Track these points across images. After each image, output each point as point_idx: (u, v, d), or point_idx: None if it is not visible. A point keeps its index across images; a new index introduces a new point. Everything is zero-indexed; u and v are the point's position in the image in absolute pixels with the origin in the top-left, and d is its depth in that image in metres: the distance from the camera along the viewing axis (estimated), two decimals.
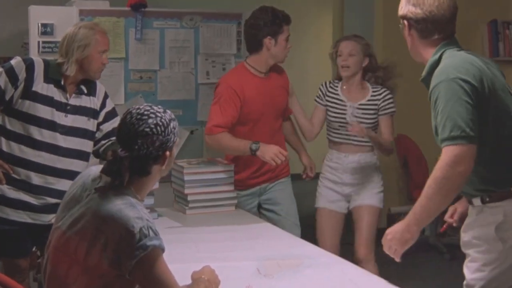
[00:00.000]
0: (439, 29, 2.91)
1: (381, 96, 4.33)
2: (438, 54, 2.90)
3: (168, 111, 2.53)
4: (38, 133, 3.75)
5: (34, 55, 4.94)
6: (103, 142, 3.98)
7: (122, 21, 5.09)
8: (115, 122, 3.91)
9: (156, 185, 3.86)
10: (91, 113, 3.91)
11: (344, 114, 4.33)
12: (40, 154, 3.76)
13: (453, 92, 2.73)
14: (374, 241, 4.30)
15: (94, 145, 3.97)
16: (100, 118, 3.96)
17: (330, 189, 4.41)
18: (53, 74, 3.78)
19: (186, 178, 4.04)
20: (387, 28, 7.03)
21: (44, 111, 3.75)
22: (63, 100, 3.81)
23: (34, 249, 4.11)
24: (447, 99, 2.74)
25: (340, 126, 4.35)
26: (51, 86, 3.78)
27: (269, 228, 3.83)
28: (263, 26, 4.23)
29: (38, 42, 4.93)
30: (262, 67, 4.30)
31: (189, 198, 4.05)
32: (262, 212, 4.46)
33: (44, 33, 4.94)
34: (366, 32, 7.09)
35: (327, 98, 4.41)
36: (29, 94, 3.72)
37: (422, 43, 2.96)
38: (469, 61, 2.84)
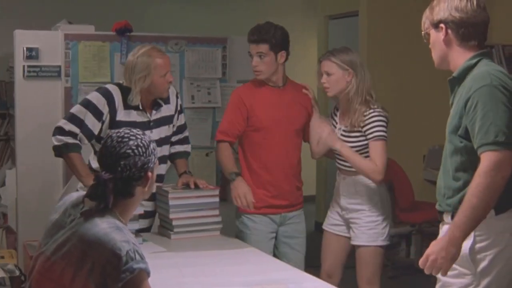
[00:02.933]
0: (479, 35, 2.96)
1: (365, 118, 4.02)
2: (475, 60, 2.93)
3: (147, 134, 2.59)
4: None
5: (19, 79, 4.94)
6: (176, 147, 4.32)
7: (107, 46, 5.10)
8: (182, 114, 4.35)
9: (140, 211, 3.88)
10: (170, 119, 4.24)
11: None
12: None
13: (497, 98, 2.78)
14: (374, 278, 4.17)
15: None
16: (175, 120, 4.29)
17: (335, 211, 4.29)
18: (130, 101, 3.99)
19: (171, 203, 4.03)
20: (370, 51, 7.08)
21: None
22: (145, 120, 4.06)
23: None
24: (491, 105, 2.77)
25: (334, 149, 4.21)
26: (132, 111, 4.02)
27: (254, 253, 3.82)
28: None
29: (23, 66, 4.93)
30: (270, 81, 4.30)
31: (174, 223, 4.03)
32: (275, 245, 4.37)
33: (29, 57, 4.94)
34: None
35: (332, 119, 4.28)
36: (114, 123, 3.94)
37: (459, 48, 2.98)
38: (504, 72, 2.90)
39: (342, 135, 4.13)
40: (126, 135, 2.50)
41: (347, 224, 4.23)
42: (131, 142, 2.49)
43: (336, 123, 4.21)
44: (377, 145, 4.02)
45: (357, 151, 4.07)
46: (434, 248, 2.86)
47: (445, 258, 2.82)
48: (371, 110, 4.03)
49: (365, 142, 4.06)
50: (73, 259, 2.36)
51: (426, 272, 2.89)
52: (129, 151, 2.47)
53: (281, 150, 4.26)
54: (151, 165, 2.54)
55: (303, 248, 4.42)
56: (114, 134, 2.51)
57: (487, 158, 2.76)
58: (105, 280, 2.31)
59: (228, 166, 4.21)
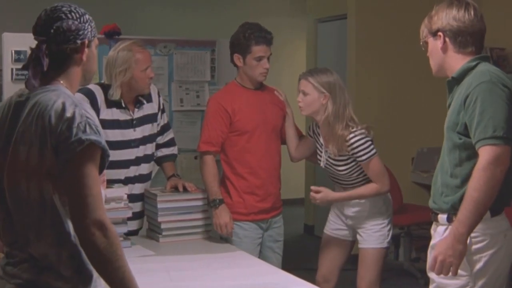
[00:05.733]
0: (476, 42, 3.04)
1: (348, 144, 3.97)
2: (474, 62, 3.01)
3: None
4: (112, 155, 3.84)
5: (7, 82, 4.94)
6: (163, 150, 4.28)
7: None
8: (164, 114, 4.30)
9: (129, 214, 3.86)
10: (154, 117, 4.19)
11: (321, 158, 4.20)
12: (115, 172, 3.97)
13: (496, 94, 2.84)
14: (377, 280, 4.18)
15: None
16: (159, 119, 4.25)
17: (337, 217, 4.29)
18: (111, 96, 3.99)
19: (159, 206, 4.02)
20: (359, 54, 7.10)
21: (113, 135, 3.96)
22: (128, 118, 4.05)
23: None
24: (490, 100, 2.83)
25: (324, 169, 4.23)
26: (114, 109, 4.01)
27: (244, 257, 3.81)
28: (234, 43, 4.22)
29: (12, 69, 4.93)
30: (247, 83, 4.26)
31: (162, 226, 4.02)
32: (261, 250, 4.35)
33: (17, 60, 4.94)
34: (339, 59, 7.17)
35: (314, 136, 4.25)
36: None
37: (456, 55, 3.05)
38: (503, 72, 2.98)
39: (329, 157, 4.12)
40: (59, 5, 2.46)
41: (352, 229, 4.25)
42: (64, 9, 2.44)
43: (322, 144, 4.17)
44: (371, 164, 4.02)
45: (347, 172, 4.08)
46: (440, 249, 2.88)
47: (453, 256, 2.84)
48: (352, 135, 3.98)
49: (354, 162, 4.04)
50: (36, 138, 2.31)
51: (437, 274, 2.91)
52: (62, 14, 2.42)
53: (266, 152, 4.25)
54: (87, 34, 2.46)
55: (281, 251, 4.44)
56: (48, 8, 2.47)
57: (486, 152, 2.81)
58: (60, 153, 2.27)
59: (213, 190, 4.15)
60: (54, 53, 2.41)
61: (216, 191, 4.15)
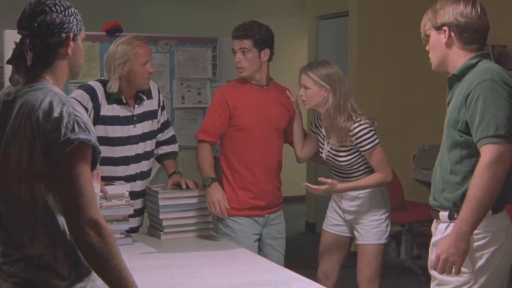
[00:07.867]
0: (480, 39, 3.04)
1: (352, 134, 3.99)
2: (476, 60, 3.00)
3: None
4: (112, 152, 3.97)
5: (8, 80, 4.92)
6: (163, 148, 4.31)
7: (97, 46, 5.09)
8: (164, 111, 4.31)
9: (130, 211, 3.87)
10: (154, 114, 4.21)
11: (323, 150, 4.20)
12: (115, 169, 4.01)
13: (498, 92, 2.84)
14: (376, 276, 4.20)
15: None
16: (159, 116, 4.26)
17: (335, 212, 4.29)
18: (113, 95, 4.00)
19: (161, 203, 4.02)
20: (361, 51, 7.09)
21: (113, 131, 3.99)
22: (129, 114, 4.06)
23: None
24: (492, 99, 2.83)
25: (325, 161, 4.23)
26: (115, 105, 4.02)
27: (244, 254, 3.81)
28: None
29: None
30: (253, 79, 4.28)
31: (164, 223, 4.02)
32: (259, 246, 4.36)
33: None
34: (340, 57, 7.16)
35: (317, 129, 4.26)
36: (98, 119, 3.95)
37: (460, 51, 3.04)
38: (504, 70, 2.98)
39: (331, 148, 4.12)
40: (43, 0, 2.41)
41: (349, 225, 4.25)
42: (48, 2, 2.40)
43: (324, 136, 4.18)
44: (374, 154, 4.04)
45: (348, 163, 4.09)
46: (443, 247, 2.89)
47: (456, 254, 2.85)
48: (356, 124, 4.00)
49: (357, 153, 4.06)
50: (25, 140, 2.28)
51: (439, 272, 2.91)
52: (46, 8, 2.38)
53: (264, 150, 4.25)
54: (73, 28, 2.42)
55: (283, 248, 4.43)
56: (32, 1, 2.43)
57: (488, 151, 2.81)
58: (50, 154, 2.24)
59: (205, 170, 4.16)
60: (39, 47, 2.37)
61: (209, 170, 4.15)
